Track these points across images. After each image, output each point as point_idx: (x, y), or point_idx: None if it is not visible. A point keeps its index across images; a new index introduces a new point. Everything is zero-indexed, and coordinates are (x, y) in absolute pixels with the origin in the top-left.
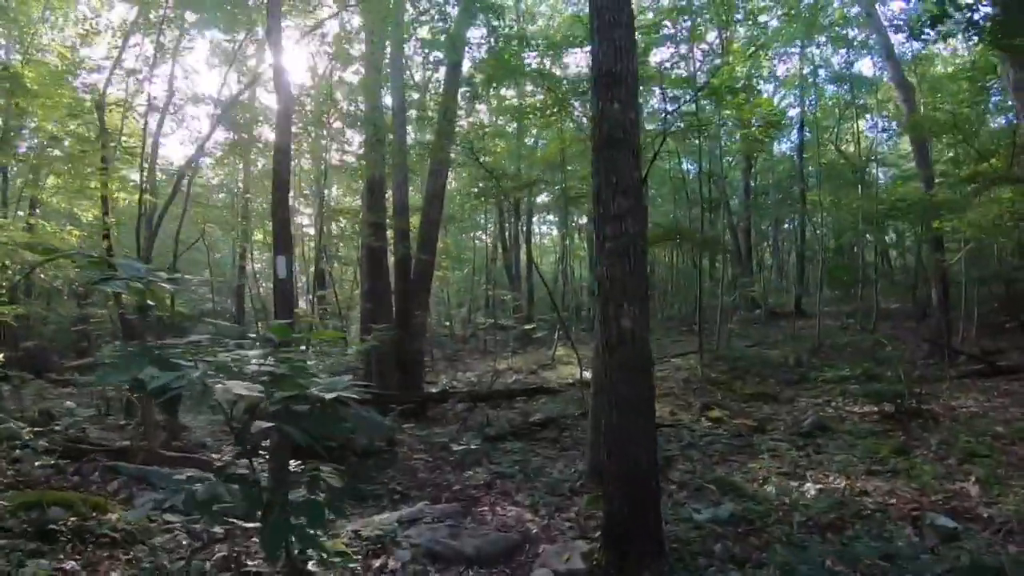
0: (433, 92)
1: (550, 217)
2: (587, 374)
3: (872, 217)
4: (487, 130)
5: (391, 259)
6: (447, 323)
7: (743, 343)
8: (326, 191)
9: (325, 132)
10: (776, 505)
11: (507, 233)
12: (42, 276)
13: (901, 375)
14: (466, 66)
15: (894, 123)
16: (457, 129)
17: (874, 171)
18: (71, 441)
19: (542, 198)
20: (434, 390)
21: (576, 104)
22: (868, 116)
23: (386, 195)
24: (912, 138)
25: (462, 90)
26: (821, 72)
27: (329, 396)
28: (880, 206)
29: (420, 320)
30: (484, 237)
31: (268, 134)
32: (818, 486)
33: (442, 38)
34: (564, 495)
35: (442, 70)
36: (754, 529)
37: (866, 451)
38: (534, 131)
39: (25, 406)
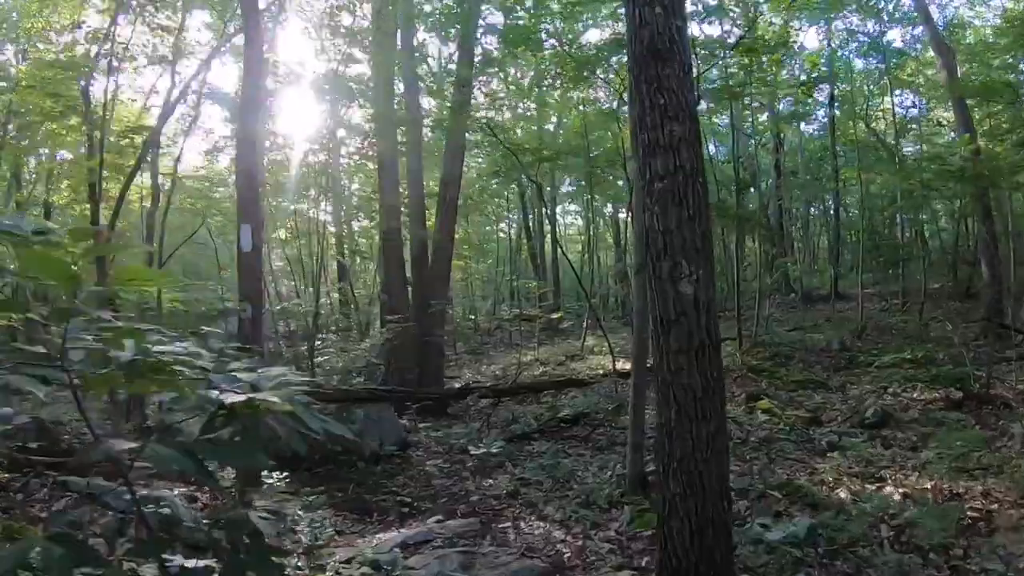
0: (447, 61)
1: (573, 207)
2: (620, 364)
3: (912, 189)
4: (503, 97)
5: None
6: (472, 316)
7: (782, 328)
8: (346, 184)
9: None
10: (856, 516)
11: (531, 221)
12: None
13: (966, 358)
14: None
15: (924, 99)
16: (473, 102)
17: (910, 147)
18: (22, 450)
19: (566, 187)
20: (457, 385)
21: (599, 74)
22: (899, 91)
23: (402, 184)
24: (955, 105)
25: (477, 58)
26: (850, 44)
27: (232, 400)
28: (926, 174)
29: (439, 309)
30: (507, 228)
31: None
32: (901, 490)
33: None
34: (602, 508)
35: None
36: (838, 549)
37: (943, 444)
38: (554, 118)
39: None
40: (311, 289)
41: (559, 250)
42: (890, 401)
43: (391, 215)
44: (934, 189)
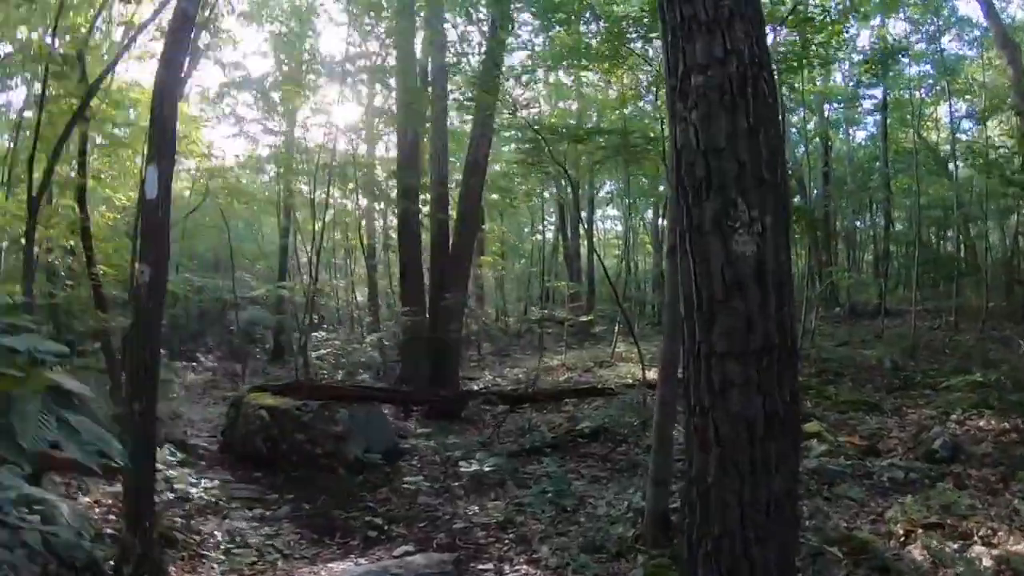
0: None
1: (612, 212)
2: (652, 373)
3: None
4: (535, 69)
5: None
6: (506, 317)
7: (827, 342)
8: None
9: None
10: None
11: (567, 223)
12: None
13: None
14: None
15: (982, 101)
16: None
17: (965, 159)
18: None
19: (605, 191)
20: (476, 386)
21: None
22: (952, 100)
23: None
24: (1021, 103)
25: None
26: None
27: None
28: (988, 180)
29: (455, 303)
30: (543, 229)
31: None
32: (993, 552)
33: None
34: (610, 554)
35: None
36: None
37: None
38: (594, 115)
39: None
40: (341, 280)
41: (595, 253)
42: (955, 430)
43: (409, 197)
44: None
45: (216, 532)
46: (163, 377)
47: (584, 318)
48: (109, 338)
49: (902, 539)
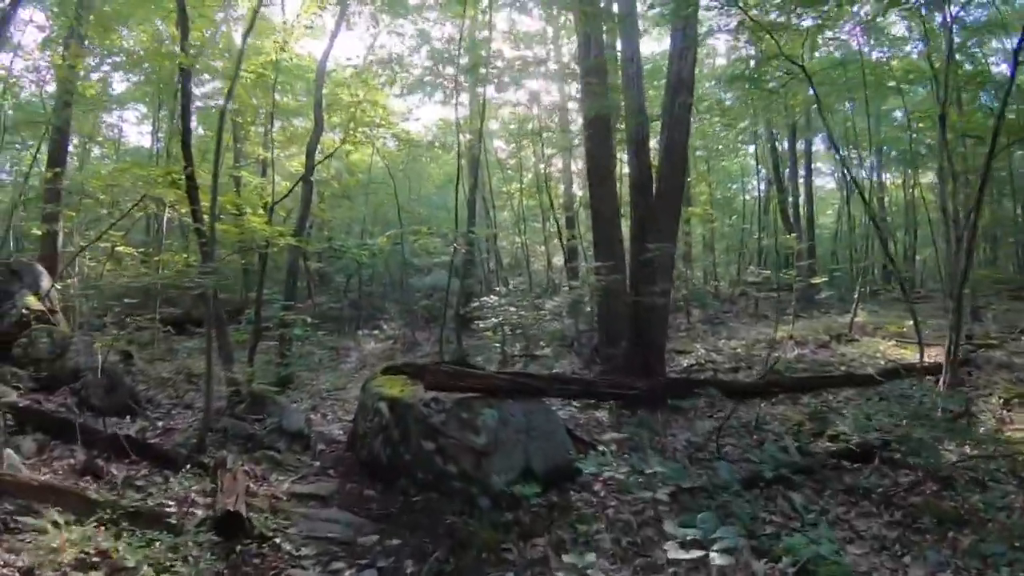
0: None
1: (823, 167)
2: (933, 355)
3: None
4: None
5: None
6: (716, 281)
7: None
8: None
9: None
10: None
11: (782, 174)
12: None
13: None
14: None
15: None
16: None
17: None
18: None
19: (817, 145)
20: (687, 362)
21: None
22: None
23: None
24: None
25: None
26: None
27: None
28: None
29: (662, 256)
30: (758, 181)
31: None
32: None
33: None
34: None
35: None
36: None
37: None
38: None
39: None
40: (541, 247)
41: (852, 191)
42: None
43: (600, 129)
44: None
45: None
46: (341, 345)
47: (815, 280)
48: (214, 301)
49: None
